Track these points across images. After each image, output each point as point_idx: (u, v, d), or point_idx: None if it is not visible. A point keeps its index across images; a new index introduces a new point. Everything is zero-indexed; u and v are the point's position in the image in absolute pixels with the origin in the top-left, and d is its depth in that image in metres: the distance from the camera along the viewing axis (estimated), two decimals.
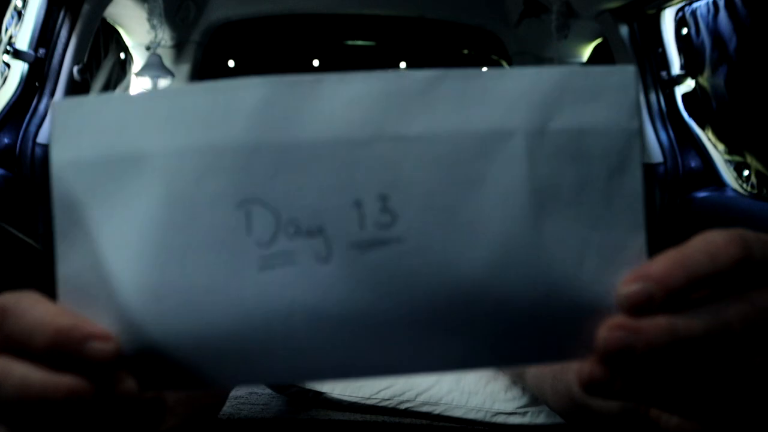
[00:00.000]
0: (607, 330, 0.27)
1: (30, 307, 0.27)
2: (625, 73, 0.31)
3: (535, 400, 0.74)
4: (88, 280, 0.29)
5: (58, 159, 0.29)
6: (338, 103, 0.29)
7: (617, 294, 0.28)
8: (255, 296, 0.29)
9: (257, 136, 0.29)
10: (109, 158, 0.29)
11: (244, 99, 0.29)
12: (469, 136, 0.30)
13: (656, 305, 0.27)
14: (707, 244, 0.28)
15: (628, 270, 0.29)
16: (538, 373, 0.68)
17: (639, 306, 0.27)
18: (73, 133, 0.29)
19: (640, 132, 0.32)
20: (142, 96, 0.30)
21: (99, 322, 0.28)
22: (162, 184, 0.29)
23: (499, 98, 0.30)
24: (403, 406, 0.79)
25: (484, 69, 0.31)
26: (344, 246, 0.29)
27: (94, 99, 0.30)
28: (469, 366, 0.30)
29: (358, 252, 0.29)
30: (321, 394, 0.80)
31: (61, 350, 0.26)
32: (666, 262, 0.28)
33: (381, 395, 0.79)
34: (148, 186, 0.29)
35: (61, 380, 0.26)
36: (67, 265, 0.29)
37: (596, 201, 0.30)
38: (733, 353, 0.27)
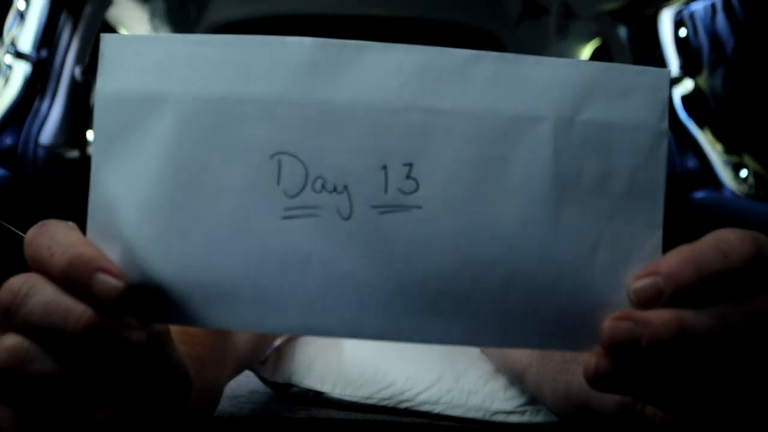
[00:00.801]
0: (613, 320, 0.28)
1: (61, 231, 0.28)
2: (660, 75, 0.32)
3: (533, 400, 0.75)
4: (116, 209, 0.30)
5: (102, 91, 0.30)
6: (378, 70, 0.30)
7: (627, 287, 0.29)
8: (275, 243, 0.30)
9: (298, 92, 0.30)
10: (151, 96, 0.30)
11: (290, 55, 0.30)
12: (500, 116, 0.31)
13: (665, 301, 0.27)
14: (720, 242, 0.28)
15: (640, 266, 0.30)
16: (536, 373, 0.68)
17: (648, 301, 0.28)
18: (119, 67, 0.30)
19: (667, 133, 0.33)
20: (189, 39, 0.30)
21: (119, 252, 0.29)
22: (199, 127, 0.30)
23: (532, 84, 0.31)
24: (402, 406, 0.79)
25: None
26: (366, 206, 0.30)
27: (142, 37, 0.31)
28: (470, 342, 0.31)
29: (378, 213, 0.30)
30: (321, 393, 0.81)
31: (73, 277, 0.27)
32: (677, 258, 0.28)
33: (381, 394, 0.79)
34: (186, 128, 0.30)
35: (77, 307, 0.26)
36: (99, 193, 0.30)
37: (617, 194, 0.31)
38: (737, 353, 0.27)
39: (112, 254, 0.29)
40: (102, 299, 0.26)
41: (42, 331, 0.27)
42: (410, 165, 0.31)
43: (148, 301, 0.29)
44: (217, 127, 0.30)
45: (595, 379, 0.28)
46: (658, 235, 0.31)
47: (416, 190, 0.30)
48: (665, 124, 0.32)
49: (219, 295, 0.30)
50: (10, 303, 0.27)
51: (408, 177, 0.31)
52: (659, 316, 0.27)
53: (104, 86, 0.30)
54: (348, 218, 0.30)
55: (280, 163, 0.30)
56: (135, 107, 0.30)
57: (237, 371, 0.69)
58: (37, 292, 0.27)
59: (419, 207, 0.30)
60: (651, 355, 0.27)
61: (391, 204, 0.30)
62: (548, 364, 0.60)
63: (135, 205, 0.30)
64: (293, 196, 0.30)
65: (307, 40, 0.30)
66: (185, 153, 0.30)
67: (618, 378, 0.28)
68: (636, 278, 0.28)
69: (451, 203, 0.31)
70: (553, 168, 0.31)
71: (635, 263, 0.30)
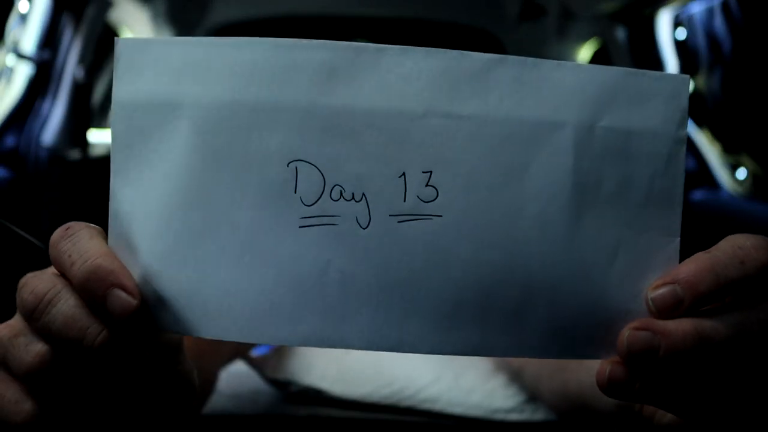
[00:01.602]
0: (632, 330, 0.28)
1: (84, 238, 0.29)
2: (680, 81, 0.32)
3: (533, 398, 0.75)
4: (134, 218, 0.30)
5: (118, 97, 0.30)
6: (397, 74, 0.30)
7: (646, 296, 0.29)
8: (291, 252, 0.29)
9: (314, 97, 0.30)
10: (167, 102, 0.30)
11: (306, 60, 0.30)
12: (520, 122, 0.31)
13: (685, 309, 0.27)
14: (737, 249, 0.28)
15: (658, 273, 0.30)
16: (534, 371, 0.69)
17: (668, 309, 0.28)
18: (134, 72, 0.30)
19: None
20: (204, 42, 0.30)
21: (138, 262, 0.29)
22: (215, 134, 0.29)
23: (553, 90, 0.31)
24: (403, 404, 0.80)
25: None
26: (385, 214, 0.30)
27: (157, 40, 0.30)
28: (489, 352, 0.30)
29: (396, 222, 0.30)
30: (321, 391, 0.81)
31: (90, 290, 0.27)
32: (696, 266, 0.28)
33: (381, 393, 0.80)
34: (201, 134, 0.29)
35: (94, 327, 0.27)
36: (118, 202, 0.30)
37: (636, 201, 0.31)
38: (751, 359, 0.27)
39: (131, 264, 0.29)
40: (116, 316, 0.27)
41: (61, 340, 0.28)
42: (429, 173, 0.30)
43: (164, 311, 0.29)
44: (233, 134, 0.30)
45: (608, 387, 0.29)
46: (676, 242, 0.31)
47: (435, 198, 0.30)
48: (684, 132, 0.31)
49: (233, 307, 0.29)
50: (35, 308, 0.28)
51: (427, 185, 0.30)
52: (678, 326, 0.27)
53: (120, 92, 0.30)
54: (366, 227, 0.30)
55: (296, 170, 0.30)
56: (151, 113, 0.30)
57: (231, 358, 0.70)
58: (60, 302, 0.28)
59: (439, 216, 0.30)
60: (668, 364, 0.27)
61: (410, 213, 0.30)
62: (544, 361, 0.61)
63: (152, 215, 0.30)
64: (310, 205, 0.30)
65: (323, 44, 0.30)
66: (200, 160, 0.29)
67: (631, 386, 0.28)
68: (655, 287, 0.28)
69: (471, 211, 0.30)
70: (574, 174, 0.31)
71: (653, 271, 0.30)
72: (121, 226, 0.30)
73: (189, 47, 0.30)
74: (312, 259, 0.30)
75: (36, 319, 0.28)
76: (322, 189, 0.30)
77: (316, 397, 0.82)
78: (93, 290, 0.27)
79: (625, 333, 0.28)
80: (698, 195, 1.58)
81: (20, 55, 1.53)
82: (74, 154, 1.75)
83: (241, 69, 0.30)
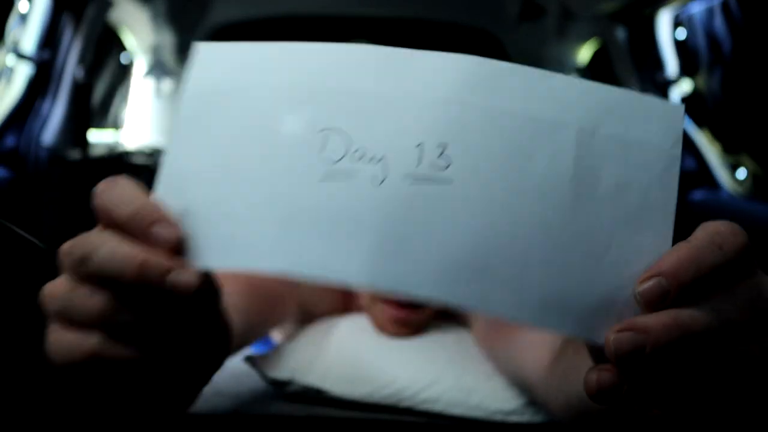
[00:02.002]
0: (616, 333, 0.28)
1: (129, 186, 0.32)
2: (676, 110, 0.36)
3: (533, 401, 0.75)
4: (183, 176, 0.35)
5: (190, 90, 0.36)
6: (423, 70, 0.35)
7: (635, 291, 0.30)
8: (312, 199, 0.34)
9: (354, 84, 0.35)
10: (229, 90, 0.36)
11: (351, 59, 0.36)
12: (530, 118, 0.35)
13: (671, 299, 0.28)
14: (714, 236, 0.29)
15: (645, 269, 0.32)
16: (544, 387, 0.69)
17: (655, 302, 0.29)
18: (205, 70, 0.37)
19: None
20: (265, 48, 0.37)
21: (181, 209, 0.34)
22: (263, 111, 0.36)
23: (561, 96, 0.35)
24: (403, 404, 0.80)
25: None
26: (400, 175, 0.34)
27: (227, 47, 0.37)
28: (482, 307, 0.33)
29: (410, 183, 0.34)
30: (321, 391, 0.81)
31: (135, 226, 0.30)
32: (678, 256, 0.29)
33: (381, 393, 0.80)
34: (254, 111, 0.36)
35: (134, 251, 0.29)
36: (171, 165, 0.35)
37: (631, 204, 0.34)
38: (733, 341, 0.28)
39: (175, 210, 0.33)
40: (160, 245, 0.30)
41: (110, 280, 0.29)
42: (444, 145, 0.34)
43: (200, 247, 0.33)
44: (279, 108, 0.35)
45: (597, 394, 0.29)
46: (667, 246, 0.33)
47: (447, 167, 0.34)
48: (678, 150, 0.35)
49: (257, 242, 0.34)
50: (84, 255, 0.29)
51: (441, 155, 0.34)
52: (658, 320, 0.28)
53: (192, 86, 0.36)
54: (381, 184, 0.34)
55: (326, 135, 0.35)
56: (216, 100, 0.36)
57: (295, 318, 0.74)
58: (105, 243, 0.29)
59: (448, 182, 0.34)
60: (655, 360, 0.28)
61: (422, 176, 0.34)
62: (552, 377, 0.61)
63: (198, 172, 0.35)
64: (334, 162, 0.34)
65: (365, 50, 0.36)
66: (247, 130, 0.35)
67: (620, 389, 0.29)
68: (640, 281, 0.29)
69: (478, 183, 0.34)
70: (573, 170, 0.34)
71: (641, 267, 0.32)
72: (168, 181, 0.34)
73: (251, 52, 0.37)
74: (329, 205, 0.34)
75: (87, 266, 0.29)
76: (345, 150, 0.34)
77: (316, 396, 0.82)
78: (138, 225, 0.30)
79: (610, 337, 0.29)
80: (698, 195, 1.58)
81: (20, 55, 1.53)
82: (74, 154, 1.75)
83: (290, 66, 0.36)
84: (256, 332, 0.71)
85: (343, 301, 0.94)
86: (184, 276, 0.30)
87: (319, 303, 0.93)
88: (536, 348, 0.71)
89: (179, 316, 0.31)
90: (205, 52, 0.38)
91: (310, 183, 0.34)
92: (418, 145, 0.34)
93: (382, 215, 0.33)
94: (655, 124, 0.36)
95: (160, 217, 0.31)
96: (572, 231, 0.34)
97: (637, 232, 0.34)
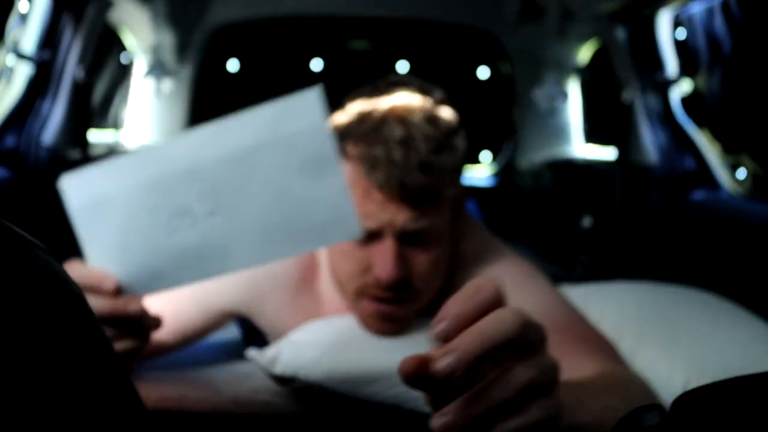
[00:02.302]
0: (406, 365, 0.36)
1: (72, 268, 0.67)
2: (312, 93, 0.62)
3: None
4: (100, 254, 0.67)
5: (73, 210, 0.67)
6: (199, 153, 0.64)
7: (432, 367, 0.35)
8: (169, 242, 0.65)
9: (175, 166, 0.64)
10: (100, 198, 0.66)
11: (166, 151, 0.66)
12: (240, 149, 0.62)
13: (462, 372, 0.35)
14: (498, 323, 0.37)
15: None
16: None
17: (448, 376, 0.35)
18: (76, 194, 0.67)
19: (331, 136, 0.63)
20: (116, 162, 0.66)
21: (109, 268, 0.67)
22: (126, 201, 0.65)
23: (246, 127, 0.62)
24: (408, 404, 0.80)
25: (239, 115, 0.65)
26: (205, 216, 0.64)
27: (86, 172, 0.67)
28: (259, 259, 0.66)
29: (204, 220, 0.64)
30: (326, 388, 0.81)
31: (90, 289, 0.65)
32: (468, 336, 0.36)
33: (387, 392, 0.80)
34: (119, 210, 0.65)
35: (102, 305, 0.64)
36: (89, 249, 0.67)
37: (311, 175, 0.62)
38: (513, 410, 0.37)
39: (108, 268, 0.67)
40: (109, 293, 0.66)
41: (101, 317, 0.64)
42: (209, 198, 0.65)
43: (131, 285, 0.67)
44: (135, 197, 0.65)
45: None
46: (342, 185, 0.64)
47: (215, 210, 0.65)
48: (322, 118, 0.63)
49: (158, 275, 0.67)
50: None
51: (211, 204, 0.65)
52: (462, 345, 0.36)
53: (72, 209, 0.67)
54: (194, 227, 0.65)
55: (171, 215, 0.65)
56: (94, 209, 0.66)
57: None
58: (91, 302, 0.45)
59: (231, 210, 0.64)
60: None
61: (209, 214, 0.65)
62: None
63: (108, 247, 0.67)
64: (173, 221, 0.65)
65: (180, 140, 0.66)
66: (119, 213, 0.65)
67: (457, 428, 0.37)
68: (437, 357, 0.35)
69: (238, 207, 0.64)
70: (279, 171, 0.63)
71: (327, 200, 0.64)
72: (93, 259, 0.67)
73: (104, 170, 0.66)
74: (179, 241, 0.65)
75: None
76: (181, 213, 0.65)
77: (321, 394, 0.82)
78: (91, 288, 0.66)
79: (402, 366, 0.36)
80: (698, 195, 1.58)
81: (20, 55, 1.53)
82: (74, 154, 1.76)
83: (135, 178, 0.65)
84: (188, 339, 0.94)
85: (315, 311, 0.94)
86: (131, 305, 0.65)
87: (289, 318, 0.94)
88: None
89: (132, 324, 0.66)
90: (69, 183, 0.66)
91: (162, 233, 0.65)
92: (209, 193, 0.64)
93: (200, 246, 0.65)
94: (300, 113, 0.61)
95: (99, 281, 0.65)
96: (296, 208, 0.63)
97: (318, 182, 0.62)
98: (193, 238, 0.63)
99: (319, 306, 0.94)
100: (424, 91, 0.85)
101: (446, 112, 0.83)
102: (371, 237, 0.80)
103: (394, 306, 0.84)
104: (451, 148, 0.81)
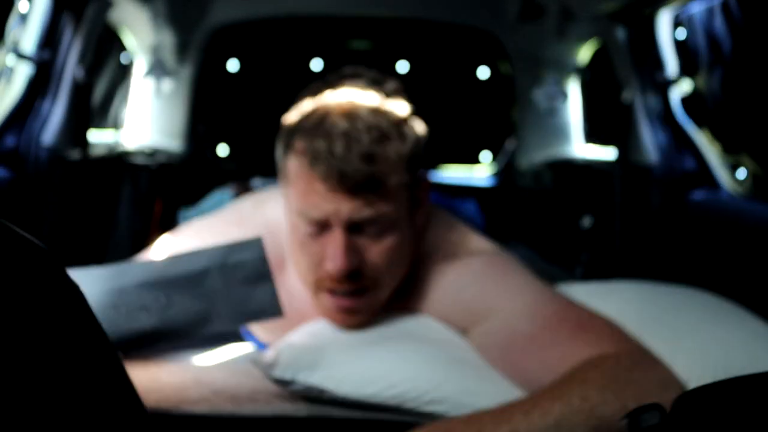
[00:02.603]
0: None
1: None
2: (255, 241, 0.91)
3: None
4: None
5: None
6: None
7: None
8: (131, 330, 0.92)
9: (130, 280, 0.96)
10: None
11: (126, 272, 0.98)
12: (190, 273, 0.91)
13: None
14: None
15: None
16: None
17: None
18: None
19: (268, 268, 0.91)
20: (88, 273, 0.92)
21: None
22: (100, 305, 0.87)
23: (199, 257, 0.92)
24: (407, 406, 0.80)
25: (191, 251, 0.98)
26: (159, 309, 0.93)
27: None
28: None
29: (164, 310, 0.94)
30: (326, 391, 0.81)
31: None
32: None
33: (386, 394, 0.80)
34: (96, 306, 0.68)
35: None
36: None
37: (249, 287, 0.90)
38: None
39: None
40: None
41: None
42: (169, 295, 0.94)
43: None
44: (106, 303, 0.89)
45: None
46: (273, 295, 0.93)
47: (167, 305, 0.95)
48: (262, 252, 0.92)
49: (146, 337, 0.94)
50: None
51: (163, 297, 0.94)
52: None
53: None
54: (148, 312, 0.93)
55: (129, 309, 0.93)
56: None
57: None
58: None
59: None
60: None
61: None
62: None
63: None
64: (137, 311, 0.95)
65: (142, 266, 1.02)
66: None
67: None
68: None
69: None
70: (225, 291, 0.92)
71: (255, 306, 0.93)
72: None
73: (86, 280, 0.76)
74: (132, 329, 0.93)
75: None
76: (137, 309, 0.92)
77: (320, 396, 0.82)
78: None
79: None
80: (698, 195, 1.58)
81: (20, 55, 1.53)
82: (74, 154, 1.76)
83: (107, 292, 0.92)
84: None
85: (288, 304, 0.96)
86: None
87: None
88: (551, 366, 0.73)
89: None
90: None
91: (127, 324, 0.91)
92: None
93: (161, 322, 0.92)
94: (245, 248, 0.90)
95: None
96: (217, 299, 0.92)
97: (250, 295, 0.90)
98: (149, 324, 0.91)
99: (291, 299, 0.95)
100: (375, 83, 0.86)
101: (396, 103, 0.84)
102: (323, 228, 0.82)
103: (352, 299, 0.85)
104: (399, 137, 0.82)
